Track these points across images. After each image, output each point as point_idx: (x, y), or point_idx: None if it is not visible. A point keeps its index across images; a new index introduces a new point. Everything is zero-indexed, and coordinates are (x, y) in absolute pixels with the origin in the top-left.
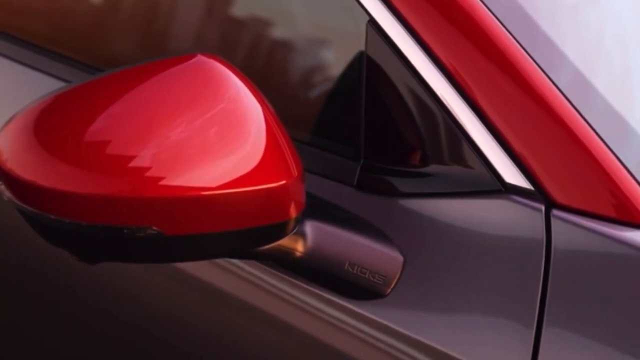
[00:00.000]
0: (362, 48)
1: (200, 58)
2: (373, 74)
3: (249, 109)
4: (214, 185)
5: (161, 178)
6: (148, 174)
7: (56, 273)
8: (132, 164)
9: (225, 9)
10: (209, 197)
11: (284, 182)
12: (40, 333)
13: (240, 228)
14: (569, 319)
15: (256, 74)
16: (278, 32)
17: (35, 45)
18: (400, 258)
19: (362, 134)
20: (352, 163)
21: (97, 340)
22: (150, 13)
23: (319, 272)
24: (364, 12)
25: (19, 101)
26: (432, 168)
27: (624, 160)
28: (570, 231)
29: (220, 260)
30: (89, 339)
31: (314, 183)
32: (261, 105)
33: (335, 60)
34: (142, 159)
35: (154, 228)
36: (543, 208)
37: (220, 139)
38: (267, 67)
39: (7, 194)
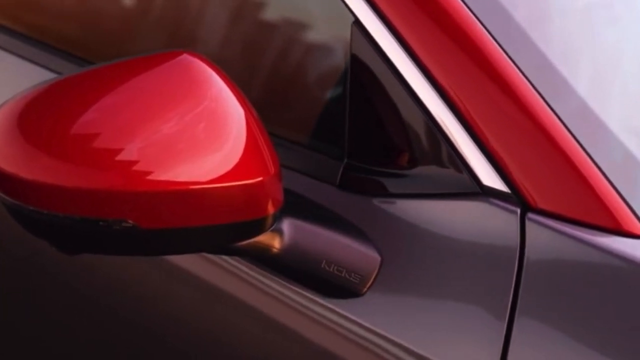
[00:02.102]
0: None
1: (185, 57)
2: (357, 75)
3: (230, 108)
4: (191, 180)
5: (139, 172)
6: (128, 168)
7: (51, 270)
8: (111, 158)
9: (225, 13)
10: (186, 191)
11: (260, 178)
12: (36, 331)
13: (217, 223)
14: (539, 321)
15: (244, 72)
16: (267, 32)
17: (58, 49)
18: (378, 257)
19: (346, 134)
20: (336, 162)
21: (91, 338)
22: (169, 18)
23: (295, 269)
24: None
25: None
26: (412, 169)
27: (601, 166)
28: (544, 234)
29: (216, 258)
30: (84, 337)
31: (297, 181)
32: (241, 104)
33: (323, 60)
34: (123, 153)
35: (130, 221)
36: (519, 211)
37: (201, 136)
38: (256, 66)
39: None
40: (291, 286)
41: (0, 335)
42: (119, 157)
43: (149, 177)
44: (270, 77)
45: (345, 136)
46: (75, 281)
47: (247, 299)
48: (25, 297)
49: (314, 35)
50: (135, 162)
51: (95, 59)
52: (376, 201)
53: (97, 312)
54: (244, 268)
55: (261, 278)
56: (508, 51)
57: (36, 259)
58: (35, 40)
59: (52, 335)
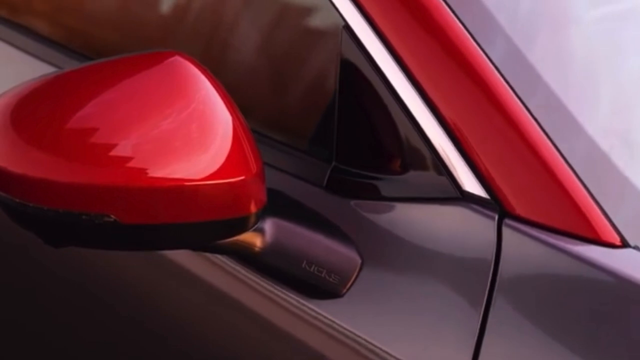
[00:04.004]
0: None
1: (177, 58)
2: (346, 79)
3: (217, 109)
4: (174, 177)
5: (121, 168)
6: (111, 164)
7: (51, 268)
8: (95, 154)
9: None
10: (168, 189)
11: (242, 177)
12: (37, 329)
13: (198, 221)
14: (510, 326)
15: (237, 73)
16: (266, 33)
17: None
18: (358, 259)
19: (334, 137)
20: (325, 165)
21: (90, 336)
22: (209, 25)
23: (276, 268)
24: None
25: None
26: (396, 174)
27: (580, 175)
28: (520, 241)
29: (213, 258)
30: (82, 334)
31: (285, 182)
32: (227, 105)
33: (319, 62)
34: (107, 149)
35: (111, 216)
36: (496, 217)
37: (185, 135)
38: (253, 67)
39: None
40: (273, 285)
41: (2, 333)
42: (103, 153)
43: (132, 174)
44: (266, 79)
45: (334, 140)
46: (75, 279)
47: (240, 299)
48: (27, 295)
49: (309, 36)
50: (118, 159)
51: None
52: (360, 204)
53: (96, 310)
54: (238, 267)
55: (251, 277)
56: (492, 57)
57: (39, 257)
58: (67, 46)
59: (51, 333)
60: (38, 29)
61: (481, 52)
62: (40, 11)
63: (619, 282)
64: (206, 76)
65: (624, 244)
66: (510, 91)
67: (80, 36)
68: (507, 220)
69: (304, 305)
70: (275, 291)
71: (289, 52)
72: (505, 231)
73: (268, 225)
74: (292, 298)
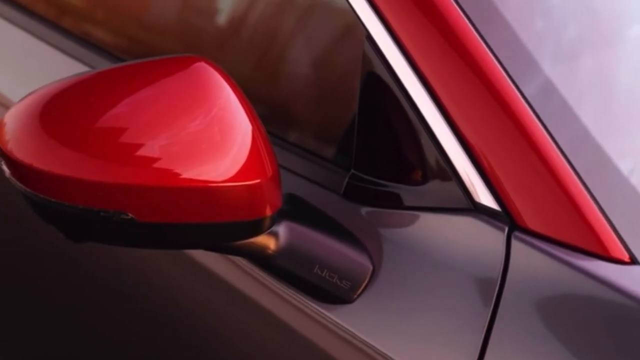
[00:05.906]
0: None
1: (201, 64)
2: (367, 88)
3: (237, 114)
4: (191, 178)
5: (141, 167)
6: (131, 162)
7: (71, 264)
8: (116, 153)
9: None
10: (184, 189)
11: (258, 180)
12: (54, 324)
13: (214, 222)
14: (514, 338)
15: (261, 78)
16: (292, 39)
17: None
18: (370, 266)
19: (354, 145)
20: (344, 172)
21: (104, 332)
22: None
23: (288, 271)
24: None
25: None
26: (411, 184)
27: (591, 189)
28: (528, 253)
29: (237, 260)
30: (97, 329)
31: (303, 187)
32: (246, 111)
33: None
34: (129, 149)
35: (129, 214)
36: (506, 229)
37: (209, 140)
38: (281, 73)
39: (6, 169)
40: (288, 288)
41: (19, 330)
42: (123, 152)
43: (153, 174)
44: (290, 84)
45: (353, 148)
46: (92, 276)
47: (257, 299)
48: (47, 291)
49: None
50: (139, 158)
51: None
52: (375, 211)
53: (113, 306)
54: (256, 268)
55: (268, 278)
56: (508, 70)
57: (60, 252)
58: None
59: (68, 330)
60: (99, 37)
61: (498, 65)
62: (102, 20)
63: (626, 299)
64: (227, 82)
65: (633, 261)
66: (526, 105)
67: (139, 45)
68: (516, 233)
69: (315, 309)
70: (290, 294)
71: (337, 65)
72: (515, 243)
73: (282, 228)
74: (305, 301)
